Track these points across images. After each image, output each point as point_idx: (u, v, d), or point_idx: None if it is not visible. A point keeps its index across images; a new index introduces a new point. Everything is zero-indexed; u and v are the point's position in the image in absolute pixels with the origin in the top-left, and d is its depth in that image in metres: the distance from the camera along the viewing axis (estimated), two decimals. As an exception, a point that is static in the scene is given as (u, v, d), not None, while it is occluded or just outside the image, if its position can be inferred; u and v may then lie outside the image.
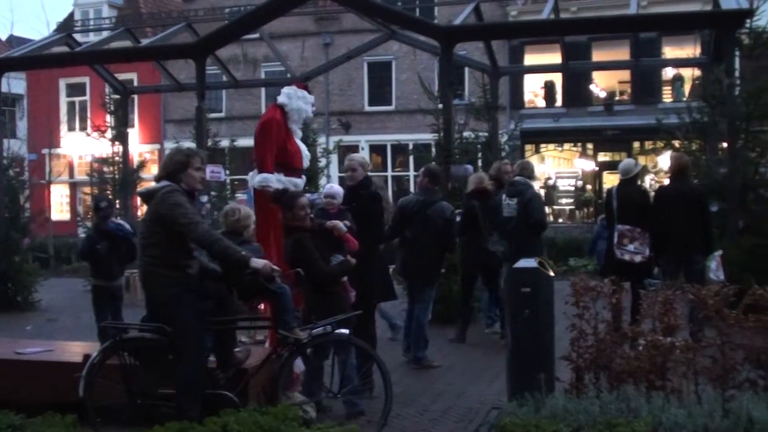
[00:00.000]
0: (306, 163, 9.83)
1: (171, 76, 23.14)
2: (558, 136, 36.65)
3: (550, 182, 37.41)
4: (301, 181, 9.57)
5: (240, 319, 8.64)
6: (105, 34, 26.57)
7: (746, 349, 7.25)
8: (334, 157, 31.15)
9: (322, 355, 8.56)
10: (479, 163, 19.21)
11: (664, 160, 16.75)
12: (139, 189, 9.05)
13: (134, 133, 35.17)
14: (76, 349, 9.26)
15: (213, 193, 20.81)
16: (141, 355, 7.60)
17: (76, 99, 42.06)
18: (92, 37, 30.85)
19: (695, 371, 7.24)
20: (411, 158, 35.81)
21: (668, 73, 35.40)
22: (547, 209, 28.67)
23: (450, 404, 9.22)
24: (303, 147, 9.77)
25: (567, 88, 36.33)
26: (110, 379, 7.53)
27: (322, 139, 31.40)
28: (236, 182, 29.34)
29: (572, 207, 37.59)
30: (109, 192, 21.79)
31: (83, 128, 33.30)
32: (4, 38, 46.06)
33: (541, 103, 38.06)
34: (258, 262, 7.30)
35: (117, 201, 20.53)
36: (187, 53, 19.08)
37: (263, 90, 39.31)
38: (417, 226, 11.24)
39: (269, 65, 38.40)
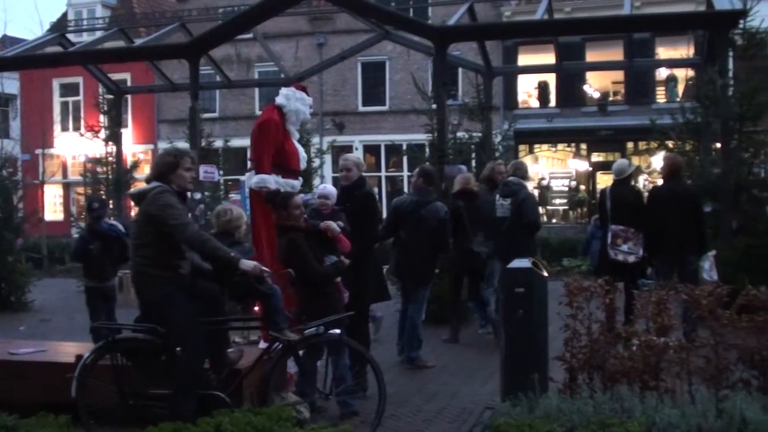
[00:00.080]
0: (303, 164, 9.83)
1: (164, 76, 23.11)
2: (552, 137, 36.66)
3: (544, 182, 37.43)
4: (297, 183, 9.57)
5: (233, 319, 8.65)
6: (98, 34, 26.49)
7: (740, 349, 7.26)
8: (328, 158, 31.17)
9: (316, 356, 8.54)
10: (473, 163, 19.24)
11: (658, 161, 16.78)
12: (130, 190, 9.04)
13: (128, 134, 35.13)
14: (69, 350, 9.24)
15: (207, 193, 20.79)
16: (133, 355, 7.59)
17: (70, 99, 42.01)
18: (86, 37, 30.73)
19: (689, 371, 7.25)
20: (405, 158, 35.83)
21: (662, 73, 35.42)
22: (540, 209, 28.67)
23: (444, 404, 9.22)
24: (300, 149, 9.76)
25: (561, 88, 36.36)
26: (102, 380, 7.52)
27: (315, 140, 31.47)
28: (230, 182, 29.38)
29: (566, 207, 37.62)
30: (102, 192, 21.78)
31: (77, 128, 33.23)
32: (-3, 38, 46.00)
33: (535, 103, 38.09)
34: (247, 264, 7.30)
35: (110, 201, 20.49)
36: (180, 53, 19.06)
37: (257, 90, 39.33)
38: (411, 226, 11.22)
39: (263, 65, 38.39)
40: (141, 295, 7.59)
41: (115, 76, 24.54)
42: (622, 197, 12.00)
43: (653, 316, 7.52)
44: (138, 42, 21.78)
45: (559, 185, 37.78)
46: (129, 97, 35.72)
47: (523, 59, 34.15)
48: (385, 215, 12.41)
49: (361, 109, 39.57)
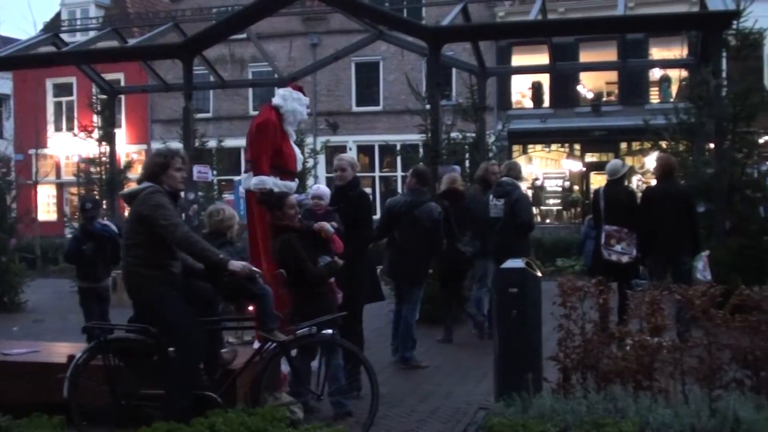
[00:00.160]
0: (299, 166, 9.83)
1: (158, 76, 23.10)
2: (545, 137, 36.66)
3: (538, 183, 37.42)
4: (294, 185, 9.57)
5: (226, 319, 8.65)
6: (92, 34, 26.44)
7: (733, 349, 7.27)
8: (322, 158, 31.15)
9: (309, 356, 8.54)
10: (467, 163, 19.23)
11: (651, 161, 16.81)
12: (122, 191, 9.03)
13: (121, 134, 35.11)
14: (62, 350, 9.22)
15: (200, 193, 20.76)
16: (125, 355, 7.59)
17: (63, 99, 41.93)
18: (79, 37, 30.75)
19: (682, 371, 7.26)
20: (399, 159, 35.81)
21: (655, 74, 35.46)
22: (534, 210, 28.70)
23: (437, 404, 9.22)
24: (297, 150, 9.76)
25: (554, 88, 36.37)
26: (95, 380, 7.51)
27: (309, 140, 31.46)
28: (223, 183, 29.31)
29: (559, 208, 37.62)
30: (95, 192, 21.74)
31: (70, 128, 33.14)
32: (-10, 38, 45.92)
33: (529, 103, 38.10)
34: (236, 264, 7.31)
35: (104, 202, 20.46)
36: (174, 53, 19.04)
37: (250, 90, 39.31)
38: (404, 226, 11.23)
39: (256, 65, 38.36)
40: (133, 296, 7.59)
41: (109, 76, 24.56)
42: (616, 197, 12.02)
43: (647, 316, 7.53)
44: (131, 42, 21.76)
45: (552, 185, 37.77)
46: (122, 97, 35.59)
47: (517, 60, 34.15)
48: (378, 216, 12.37)
49: (355, 109, 39.55)
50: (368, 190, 29.12)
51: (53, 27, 34.03)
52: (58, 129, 40.50)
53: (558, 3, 32.80)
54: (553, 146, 37.60)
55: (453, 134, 17.42)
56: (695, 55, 18.63)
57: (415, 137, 18.49)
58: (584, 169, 36.94)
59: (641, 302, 7.62)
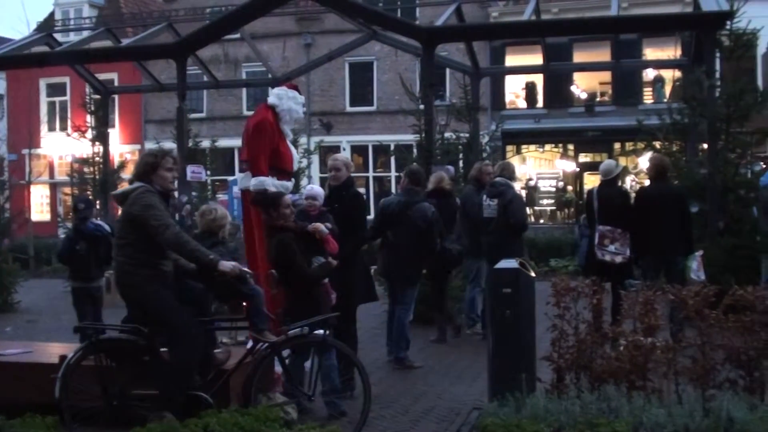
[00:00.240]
0: (296, 166, 9.82)
1: (152, 76, 23.08)
2: (539, 137, 36.66)
3: (531, 183, 37.43)
4: (290, 185, 9.57)
5: (219, 319, 8.65)
6: (85, 33, 26.45)
7: (726, 349, 7.28)
8: (315, 158, 31.14)
9: (303, 356, 8.53)
10: (460, 164, 19.23)
11: (645, 161, 16.84)
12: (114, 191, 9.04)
13: (115, 134, 35.02)
14: (55, 351, 9.20)
15: (194, 193, 20.76)
16: (117, 356, 7.59)
17: (57, 99, 41.82)
18: (73, 37, 30.70)
19: (676, 371, 7.27)
20: (392, 159, 35.80)
21: (649, 74, 35.47)
22: (528, 210, 28.72)
23: (431, 405, 9.21)
24: (293, 150, 9.75)
25: (548, 89, 36.37)
26: (87, 381, 7.51)
27: (303, 140, 31.41)
28: (217, 183, 29.31)
29: (553, 208, 37.63)
30: (89, 192, 21.72)
31: (63, 128, 33.15)
32: (-17, 38, 45.82)
33: (523, 104, 38.09)
34: (225, 265, 7.33)
35: (97, 202, 20.44)
36: (167, 53, 19.05)
37: (244, 90, 39.27)
38: (398, 226, 11.22)
39: (250, 65, 38.31)
40: (125, 295, 7.60)
41: (102, 76, 24.51)
42: (609, 198, 12.02)
43: (640, 316, 7.53)
44: (125, 42, 21.74)
45: (546, 186, 37.77)
46: (116, 97, 35.58)
47: (511, 60, 34.17)
48: (372, 216, 12.37)
49: (349, 109, 39.52)
50: (362, 190, 29.11)
51: (47, 27, 34.02)
52: (51, 129, 40.44)
53: (552, 3, 32.82)
54: (547, 146, 37.60)
55: (447, 134, 17.40)
56: (689, 56, 18.65)
57: (409, 137, 18.50)
58: (578, 169, 36.96)
59: (635, 302, 7.63)
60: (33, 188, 35.44)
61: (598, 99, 36.93)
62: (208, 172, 22.91)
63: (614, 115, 34.21)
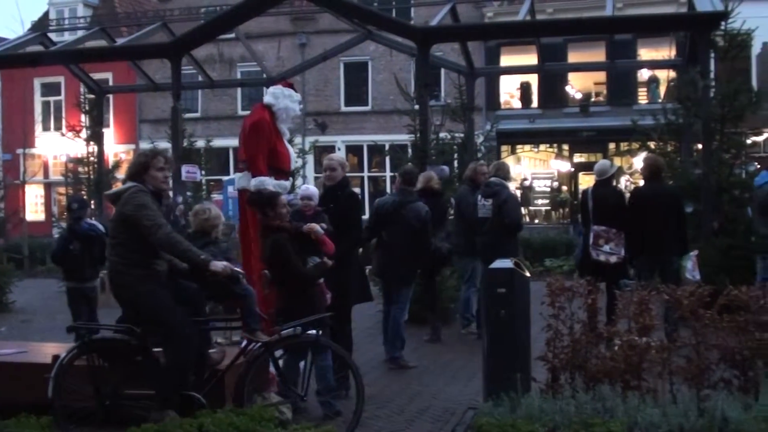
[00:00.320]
0: (293, 165, 9.81)
1: (146, 75, 23.06)
2: (534, 137, 36.72)
3: (526, 183, 37.48)
4: (288, 184, 9.56)
5: (214, 319, 8.65)
6: (80, 33, 26.39)
7: (721, 349, 7.29)
8: (310, 158, 31.13)
9: (298, 356, 8.53)
10: (455, 164, 19.24)
11: (640, 162, 16.86)
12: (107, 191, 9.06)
13: (109, 133, 35.01)
14: (50, 351, 9.20)
15: (189, 193, 20.73)
16: (110, 356, 7.60)
17: (51, 99, 41.81)
18: (67, 37, 30.64)
19: (670, 371, 7.27)
20: (387, 159, 35.81)
21: (644, 74, 35.53)
22: (523, 210, 28.73)
23: (426, 404, 9.22)
24: (290, 149, 9.74)
25: (543, 89, 36.42)
26: (80, 380, 7.50)
27: (298, 140, 31.44)
28: (212, 183, 29.29)
29: (548, 208, 37.68)
30: (83, 192, 21.69)
31: (58, 128, 33.05)
32: (-23, 37, 45.71)
33: (517, 104, 38.14)
34: (217, 265, 7.34)
35: (92, 201, 20.41)
36: (162, 53, 19.02)
37: (239, 90, 39.29)
38: (392, 226, 11.22)
39: (245, 65, 38.34)
40: (118, 295, 7.61)
41: (97, 76, 24.47)
42: (604, 198, 12.02)
43: (635, 316, 7.54)
44: (120, 41, 21.69)
45: (541, 186, 37.83)
46: (111, 96, 35.62)
47: (506, 60, 34.18)
48: (367, 216, 12.36)
49: (344, 109, 39.55)
50: (357, 190, 29.11)
51: (41, 26, 33.88)
52: (46, 128, 40.43)
53: (546, 3, 32.85)
54: (542, 146, 37.66)
55: (441, 134, 17.40)
56: (683, 56, 18.68)
57: (404, 137, 18.48)
58: (573, 169, 37.01)
59: (629, 302, 7.63)
60: (27, 188, 35.36)
61: (592, 99, 37.01)
62: (203, 172, 22.84)
63: (609, 116, 34.29)
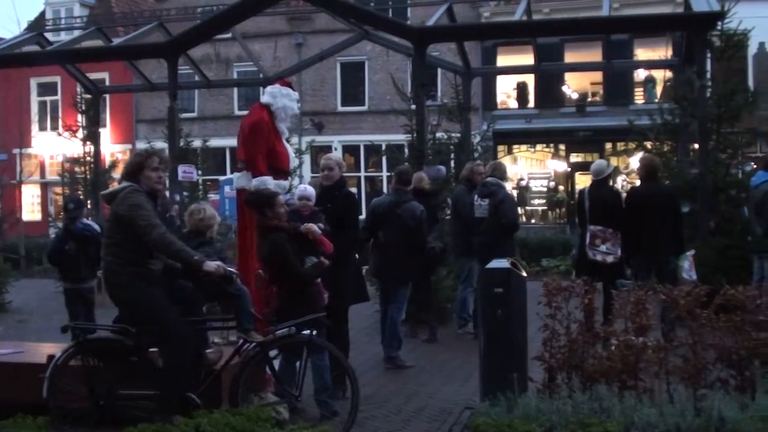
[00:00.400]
0: (292, 164, 9.81)
1: (143, 75, 23.04)
2: (530, 137, 36.71)
3: (523, 183, 37.47)
4: (286, 184, 9.56)
5: (210, 319, 8.65)
6: (76, 33, 26.37)
7: (718, 348, 7.30)
8: (307, 158, 31.14)
9: (294, 356, 8.52)
10: (452, 164, 19.23)
11: (636, 161, 16.87)
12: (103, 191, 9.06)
13: (106, 133, 34.93)
14: (46, 351, 9.19)
15: (185, 193, 20.74)
16: (105, 356, 7.59)
17: (48, 98, 41.73)
18: (63, 36, 30.66)
19: (667, 371, 7.28)
20: (384, 159, 35.79)
21: (640, 74, 35.54)
22: (519, 210, 28.74)
23: (423, 404, 9.22)
24: (289, 148, 9.73)
25: (539, 89, 36.40)
26: (75, 381, 7.50)
27: (294, 140, 31.39)
28: (208, 183, 29.27)
29: (545, 208, 37.68)
30: (80, 192, 21.67)
31: (54, 128, 33.06)
32: (-26, 37, 45.64)
33: (514, 104, 38.12)
34: (210, 265, 7.34)
35: (89, 201, 20.39)
36: (159, 53, 19.02)
37: (236, 90, 39.26)
38: (388, 226, 11.23)
39: (242, 65, 38.31)
40: (113, 295, 7.61)
41: (93, 76, 24.44)
42: (601, 198, 12.03)
43: (632, 316, 7.55)
44: (116, 41, 21.69)
45: (537, 186, 37.82)
46: (107, 96, 35.57)
47: (502, 60, 34.18)
48: (364, 215, 12.36)
49: (340, 109, 39.52)
50: (353, 190, 29.10)
51: (37, 26, 33.98)
52: (42, 128, 40.36)
53: (543, 3, 32.84)
54: (538, 146, 37.64)
55: (438, 134, 17.39)
56: (680, 56, 18.68)
57: (401, 137, 18.48)
58: (569, 169, 37.00)
59: (626, 302, 7.64)
60: (24, 188, 35.29)
61: (589, 99, 36.98)
62: (200, 172, 22.83)
63: (605, 115, 34.27)
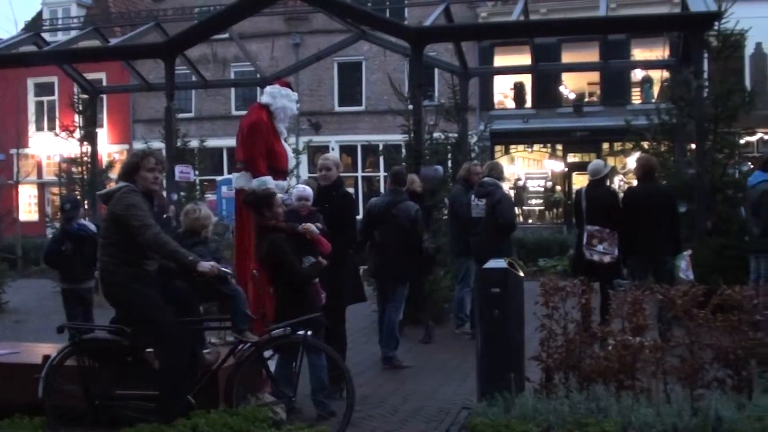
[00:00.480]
0: (291, 164, 9.80)
1: (140, 75, 23.03)
2: (527, 137, 36.77)
3: (520, 183, 37.52)
4: (285, 184, 9.55)
5: (207, 319, 8.65)
6: (73, 33, 26.36)
7: (714, 348, 7.30)
8: (304, 158, 31.12)
9: (292, 357, 8.52)
10: (449, 164, 19.23)
11: (633, 161, 16.87)
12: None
13: (103, 134, 34.96)
14: (43, 351, 9.18)
15: (182, 193, 20.72)
16: (100, 356, 7.59)
17: (45, 99, 41.72)
18: (60, 37, 30.65)
19: (664, 371, 7.28)
20: (381, 159, 35.78)
21: (637, 74, 35.60)
22: (516, 210, 28.77)
23: (420, 404, 9.22)
24: (288, 149, 9.73)
25: (536, 89, 36.44)
26: (70, 381, 7.50)
27: (292, 140, 31.31)
28: (206, 183, 29.23)
29: (542, 208, 37.72)
30: (77, 192, 21.65)
31: (51, 128, 32.97)
32: (-29, 37, 45.58)
33: (511, 104, 38.17)
34: (204, 266, 7.33)
35: (85, 201, 20.38)
36: (156, 53, 19.00)
37: (233, 90, 39.27)
38: (384, 226, 11.24)
39: (239, 65, 38.29)
40: (109, 295, 7.60)
41: (91, 76, 24.41)
42: (598, 198, 12.03)
43: (629, 315, 7.55)
44: (113, 41, 21.68)
45: (534, 186, 37.89)
46: (104, 96, 35.46)
47: (499, 60, 34.24)
48: (361, 216, 12.37)
49: (338, 109, 39.54)
50: (351, 190, 29.10)
51: (34, 26, 33.96)
52: (39, 129, 40.34)
53: (540, 4, 32.86)
54: (536, 146, 37.70)
55: (435, 134, 17.38)
56: (677, 56, 18.69)
57: (398, 137, 18.47)
58: (566, 169, 37.05)
59: (623, 302, 7.64)
60: (21, 188, 35.32)
61: (586, 99, 37.04)
62: (197, 172, 22.81)
63: (602, 116, 34.30)
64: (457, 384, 10.15)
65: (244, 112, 10.22)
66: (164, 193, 15.42)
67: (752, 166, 14.97)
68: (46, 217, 33.78)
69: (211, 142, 27.65)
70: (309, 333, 7.92)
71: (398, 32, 17.46)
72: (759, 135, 24.55)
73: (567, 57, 33.03)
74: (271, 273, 8.60)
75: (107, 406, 7.46)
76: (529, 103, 37.30)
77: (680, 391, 7.18)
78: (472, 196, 12.82)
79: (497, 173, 12.88)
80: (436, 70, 31.81)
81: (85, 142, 22.06)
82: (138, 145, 33.59)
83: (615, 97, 34.80)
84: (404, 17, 33.48)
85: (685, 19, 15.59)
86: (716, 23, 14.67)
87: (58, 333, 7.97)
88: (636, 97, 35.78)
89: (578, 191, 12.89)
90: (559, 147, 37.28)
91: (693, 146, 14.82)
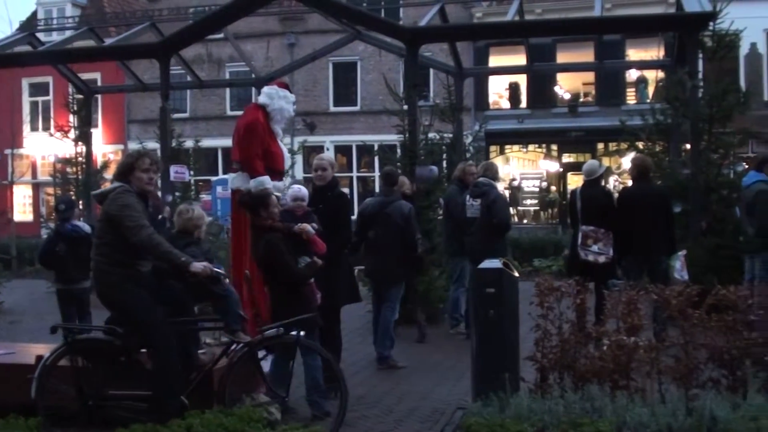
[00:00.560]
0: (287, 164, 9.80)
1: (135, 76, 23.02)
2: (522, 138, 36.77)
3: (515, 183, 37.54)
4: (281, 184, 9.54)
5: (202, 320, 8.64)
6: (68, 33, 26.32)
7: (709, 348, 7.31)
8: (299, 158, 31.12)
9: (287, 357, 8.52)
10: (444, 164, 19.25)
11: (628, 162, 16.89)
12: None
13: (98, 134, 34.93)
14: (37, 352, 9.17)
15: (177, 193, 20.68)
16: (93, 356, 7.59)
17: (39, 99, 41.69)
18: (55, 36, 30.57)
19: (659, 371, 7.29)
20: (376, 159, 35.80)
21: (632, 75, 35.63)
22: (511, 210, 28.77)
23: (415, 405, 9.22)
24: (284, 149, 9.72)
25: (531, 89, 36.47)
26: (63, 381, 7.50)
27: (287, 140, 31.36)
28: (201, 183, 29.21)
29: (537, 208, 37.74)
30: (72, 193, 21.62)
31: (46, 128, 33.01)
32: (-35, 37, 45.48)
33: (506, 104, 38.20)
34: (197, 266, 7.33)
35: (80, 202, 20.35)
36: (151, 53, 18.99)
37: (228, 90, 39.26)
38: (378, 226, 11.22)
39: (234, 65, 38.30)
40: (102, 295, 7.60)
41: (85, 76, 24.41)
42: (593, 198, 12.04)
43: (623, 316, 7.55)
44: (108, 41, 21.64)
45: (529, 186, 37.91)
46: (99, 97, 35.51)
47: (494, 60, 34.23)
48: (356, 216, 12.36)
49: (333, 109, 39.55)
50: (345, 190, 29.12)
51: (29, 26, 33.85)
52: (34, 129, 40.31)
53: (535, 4, 32.84)
54: (530, 147, 37.72)
55: (430, 135, 17.39)
56: (672, 57, 18.70)
57: (393, 137, 18.47)
58: (561, 169, 37.08)
59: (618, 302, 7.65)
60: (15, 188, 35.26)
61: (581, 99, 37.08)
62: (192, 172, 22.78)
63: (597, 116, 34.37)
64: (452, 384, 10.15)
65: (239, 113, 10.23)
66: (159, 194, 15.39)
67: (747, 167, 14.98)
68: (40, 218, 33.73)
69: (206, 143, 27.61)
70: (302, 333, 7.93)
71: (393, 32, 17.46)
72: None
73: (562, 57, 33.09)
74: (267, 273, 8.59)
75: (100, 407, 7.47)
76: (524, 104, 37.34)
77: (675, 390, 7.19)
78: (467, 196, 12.82)
79: (492, 173, 12.88)
80: (431, 71, 31.79)
81: (79, 143, 22.02)
82: (133, 146, 33.60)
83: (610, 97, 34.87)
84: (399, 17, 33.49)
85: (680, 20, 15.60)
86: (711, 23, 14.67)
87: (51, 333, 7.97)
88: (631, 97, 35.82)
89: (573, 191, 12.89)
90: (554, 147, 37.32)
91: (688, 146, 14.83)
